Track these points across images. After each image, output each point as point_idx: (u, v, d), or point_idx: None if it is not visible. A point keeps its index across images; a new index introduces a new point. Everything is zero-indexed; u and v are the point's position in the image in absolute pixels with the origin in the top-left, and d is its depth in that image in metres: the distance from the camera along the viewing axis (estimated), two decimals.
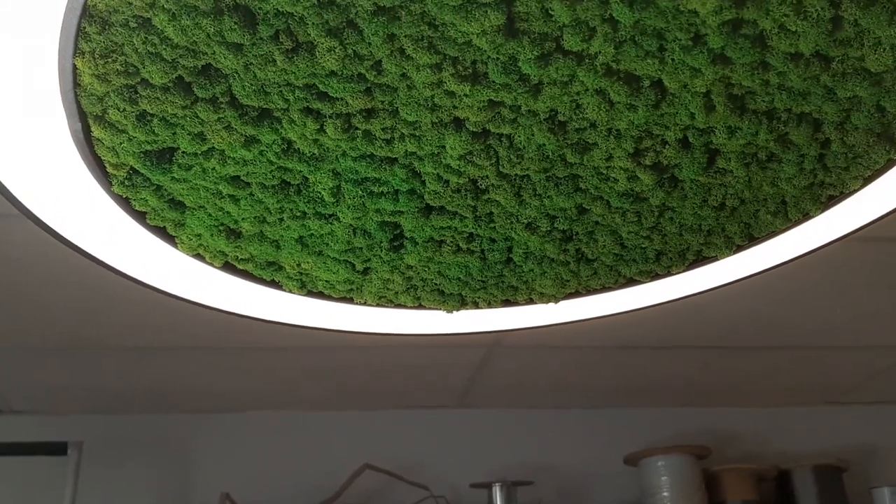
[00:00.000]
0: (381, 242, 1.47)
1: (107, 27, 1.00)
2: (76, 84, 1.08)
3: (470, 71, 1.12)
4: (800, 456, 3.40)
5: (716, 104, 1.20)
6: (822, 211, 1.49)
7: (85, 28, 0.99)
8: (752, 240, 1.57)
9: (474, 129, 1.23)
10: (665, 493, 3.11)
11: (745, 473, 3.25)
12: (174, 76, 1.08)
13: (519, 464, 3.25)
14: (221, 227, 1.41)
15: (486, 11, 1.02)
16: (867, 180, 1.40)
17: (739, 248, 1.60)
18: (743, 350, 2.89)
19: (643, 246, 1.56)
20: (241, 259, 1.51)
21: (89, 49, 1.02)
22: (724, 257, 1.63)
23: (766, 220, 1.50)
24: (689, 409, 3.50)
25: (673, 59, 1.12)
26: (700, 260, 1.65)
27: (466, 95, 1.15)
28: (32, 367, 2.52)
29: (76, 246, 1.42)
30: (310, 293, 1.65)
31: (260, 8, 1.00)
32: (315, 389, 2.93)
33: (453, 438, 3.25)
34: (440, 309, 1.75)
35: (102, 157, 1.22)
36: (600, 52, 1.10)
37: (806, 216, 1.50)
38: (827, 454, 3.46)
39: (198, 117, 1.14)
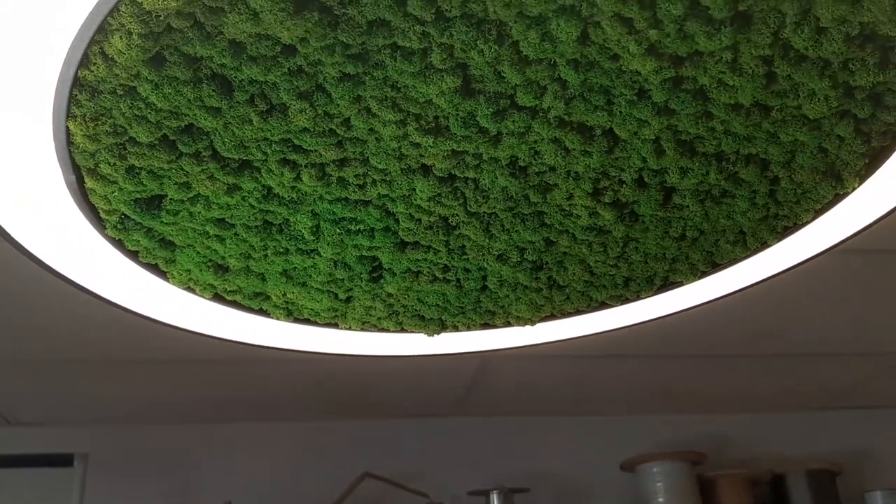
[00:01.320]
0: (361, 274, 1.56)
1: (96, 95, 1.09)
2: (70, 142, 1.17)
3: (433, 125, 1.21)
4: (793, 460, 3.46)
5: (665, 149, 1.29)
6: (780, 240, 1.57)
7: (76, 95, 1.08)
8: (715, 266, 1.65)
9: (441, 175, 1.31)
10: (661, 499, 3.18)
11: (739, 478, 3.32)
12: (159, 135, 1.17)
13: (516, 471, 3.33)
14: (209, 263, 1.50)
15: (443, 76, 1.11)
16: (818, 212, 1.48)
17: (704, 274, 1.68)
18: (733, 359, 2.96)
19: (611, 273, 1.65)
20: (230, 291, 1.61)
21: (80, 113, 1.12)
22: (689, 283, 1.71)
23: (727, 248, 1.58)
24: (685, 416, 3.57)
25: (621, 112, 1.20)
26: (667, 285, 1.73)
27: (431, 146, 1.24)
28: (38, 379, 2.61)
29: (75, 283, 1.52)
30: (296, 320, 1.74)
31: (235, 76, 1.09)
32: (314, 400, 3.02)
33: (451, 447, 3.34)
34: (422, 332, 1.84)
35: (96, 205, 1.31)
36: (552, 107, 1.19)
37: (764, 244, 1.58)
38: (820, 458, 3.52)
39: (182, 169, 1.24)
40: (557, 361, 2.78)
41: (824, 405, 3.63)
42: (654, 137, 1.26)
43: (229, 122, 1.16)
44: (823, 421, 3.66)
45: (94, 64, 1.04)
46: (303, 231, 1.42)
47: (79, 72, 1.05)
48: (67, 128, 1.14)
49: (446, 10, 1.01)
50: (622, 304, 1.77)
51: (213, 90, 1.09)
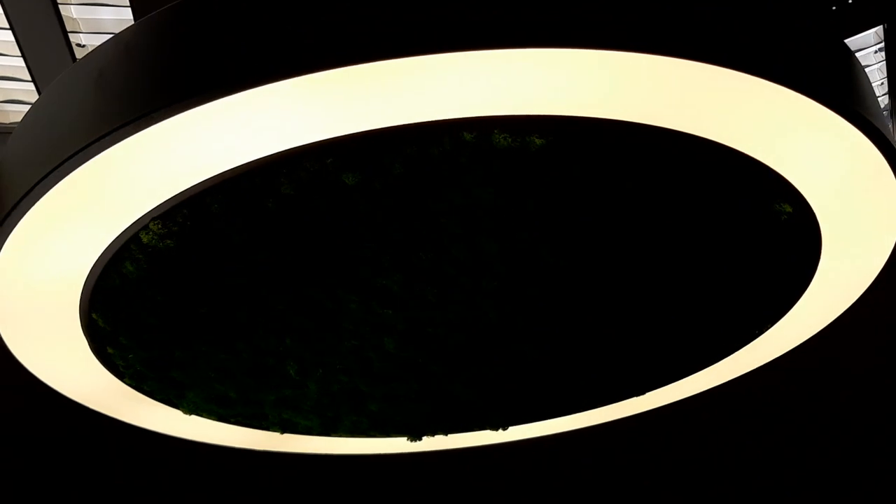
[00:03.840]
0: (345, 400, 1.80)
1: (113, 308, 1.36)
2: (91, 321, 1.44)
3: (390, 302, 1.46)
4: None
5: None
6: None
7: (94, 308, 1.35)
8: None
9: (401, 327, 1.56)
10: None
11: None
12: (162, 321, 1.43)
13: None
14: (213, 397, 1.75)
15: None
16: None
17: None
18: None
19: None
20: (232, 415, 1.85)
21: (102, 308, 1.38)
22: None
23: None
24: None
25: None
26: None
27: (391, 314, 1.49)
28: None
29: (100, 413, 1.79)
30: (291, 432, 1.99)
31: None
32: None
33: None
34: (405, 437, 2.07)
35: (116, 362, 1.57)
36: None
37: None
38: None
39: (185, 343, 1.49)
40: None
41: None
42: None
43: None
44: None
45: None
46: (290, 372, 1.66)
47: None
48: (90, 317, 1.40)
49: None
50: None
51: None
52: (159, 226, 1.20)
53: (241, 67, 0.99)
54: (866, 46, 2.25)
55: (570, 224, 1.28)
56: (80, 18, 1.84)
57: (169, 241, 1.22)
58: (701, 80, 1.06)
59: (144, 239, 1.22)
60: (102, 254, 1.25)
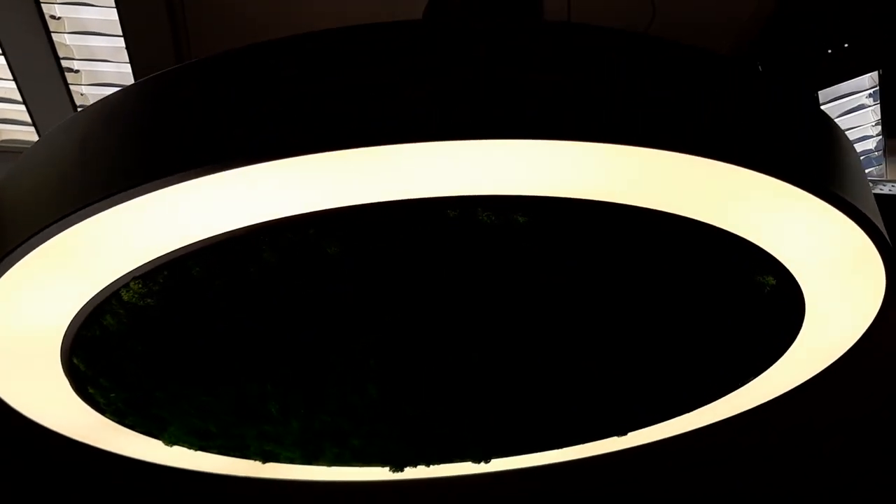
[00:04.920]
0: (327, 438, 1.81)
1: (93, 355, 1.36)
2: (72, 366, 1.43)
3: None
4: None
5: None
6: None
7: (75, 354, 1.35)
8: None
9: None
10: None
11: None
12: (143, 368, 1.43)
13: None
14: (194, 431, 1.75)
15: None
16: None
17: None
18: None
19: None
20: (213, 446, 1.86)
21: (83, 354, 1.38)
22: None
23: None
24: None
25: None
26: None
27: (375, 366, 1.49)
28: None
29: (84, 444, 1.79)
30: (272, 461, 1.99)
31: None
32: None
33: None
34: (387, 468, 2.08)
35: (97, 400, 1.57)
36: None
37: None
38: None
39: (166, 385, 1.49)
40: None
41: None
42: None
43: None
44: None
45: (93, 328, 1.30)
46: (272, 410, 1.67)
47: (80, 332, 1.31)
48: (71, 361, 1.40)
49: None
50: None
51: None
52: (140, 285, 1.20)
53: (229, 147, 0.99)
54: (861, 90, 2.25)
55: (553, 291, 1.29)
56: (73, 45, 1.84)
57: (149, 300, 1.21)
58: (681, 165, 1.06)
59: (125, 297, 1.21)
60: (83, 307, 1.25)
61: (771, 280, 1.32)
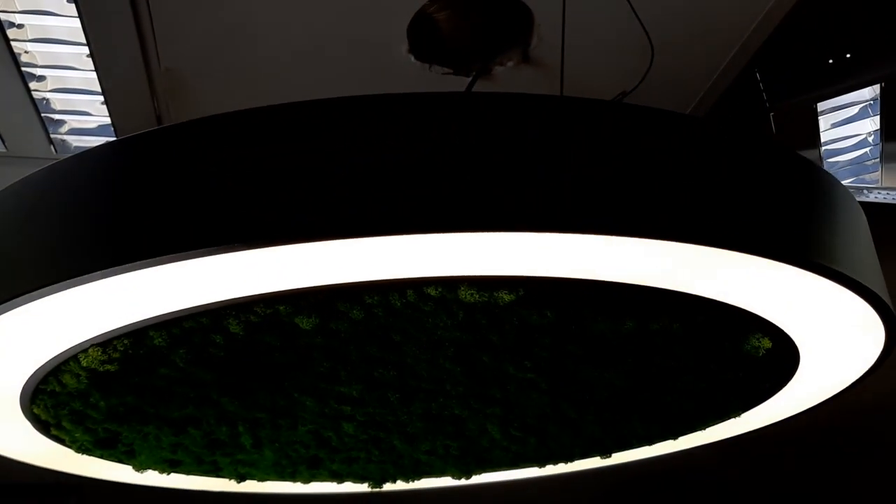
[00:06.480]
0: (302, 465, 1.76)
1: (54, 396, 1.29)
2: (33, 413, 1.37)
3: (348, 405, 1.40)
4: None
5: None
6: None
7: (36, 403, 1.28)
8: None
9: (362, 420, 1.51)
10: None
11: None
12: (107, 417, 1.36)
13: None
14: (166, 462, 1.70)
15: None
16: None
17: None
18: None
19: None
20: (186, 471, 1.81)
21: (43, 404, 1.31)
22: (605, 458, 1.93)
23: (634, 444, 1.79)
24: None
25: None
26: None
27: (349, 410, 1.43)
28: None
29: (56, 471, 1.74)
30: (248, 479, 1.95)
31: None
32: None
33: None
34: (365, 484, 2.04)
35: (63, 438, 1.51)
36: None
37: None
38: None
39: (133, 428, 1.43)
40: None
41: None
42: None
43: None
44: None
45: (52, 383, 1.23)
46: (245, 444, 1.62)
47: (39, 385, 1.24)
48: (32, 412, 1.33)
49: None
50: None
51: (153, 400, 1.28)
52: (99, 352, 1.13)
53: (198, 235, 0.91)
54: (861, 101, 2.18)
55: (537, 356, 1.23)
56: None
57: (109, 367, 1.15)
58: (671, 249, 1.00)
59: (84, 362, 1.14)
60: (40, 368, 1.18)
61: (767, 343, 1.27)
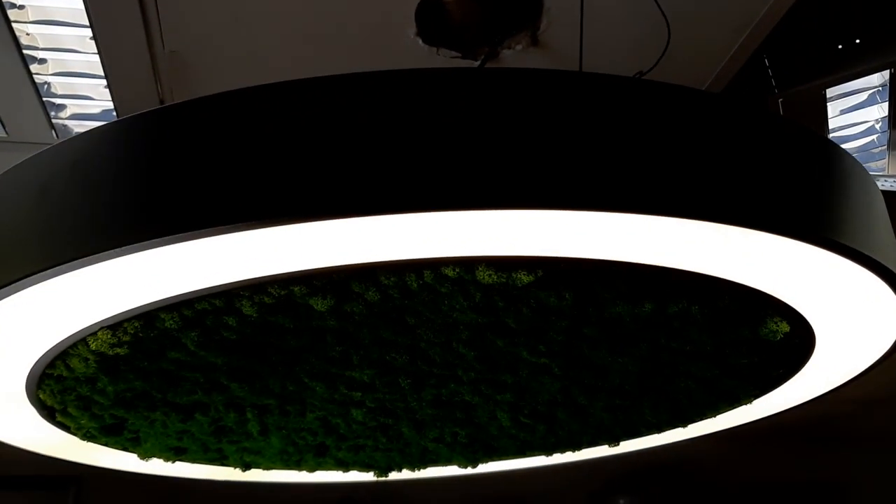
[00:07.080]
0: (308, 453, 1.74)
1: (60, 380, 1.26)
2: (39, 399, 1.35)
3: (359, 391, 1.38)
4: None
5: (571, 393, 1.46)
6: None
7: (42, 388, 1.26)
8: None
9: (372, 405, 1.49)
10: None
11: None
12: (117, 399, 1.34)
13: None
14: (171, 449, 1.68)
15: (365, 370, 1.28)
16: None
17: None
18: None
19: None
20: (191, 459, 1.79)
21: (49, 389, 1.29)
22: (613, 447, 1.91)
23: (643, 431, 1.77)
24: None
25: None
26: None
27: (360, 396, 1.41)
28: None
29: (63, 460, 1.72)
30: (254, 468, 1.93)
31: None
32: None
33: None
34: (370, 473, 2.03)
35: (68, 425, 1.49)
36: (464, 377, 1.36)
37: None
38: None
39: (140, 414, 1.41)
40: None
41: None
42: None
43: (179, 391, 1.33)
44: None
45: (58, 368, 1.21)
46: (252, 431, 1.60)
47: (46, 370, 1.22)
48: (38, 397, 1.31)
49: None
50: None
51: (162, 384, 1.26)
52: (109, 335, 1.11)
53: (210, 213, 0.89)
54: (870, 87, 2.16)
55: (552, 339, 1.21)
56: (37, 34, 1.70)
57: (119, 350, 1.13)
58: (691, 228, 0.98)
59: (93, 345, 1.12)
60: (48, 351, 1.16)
61: (785, 326, 1.26)
